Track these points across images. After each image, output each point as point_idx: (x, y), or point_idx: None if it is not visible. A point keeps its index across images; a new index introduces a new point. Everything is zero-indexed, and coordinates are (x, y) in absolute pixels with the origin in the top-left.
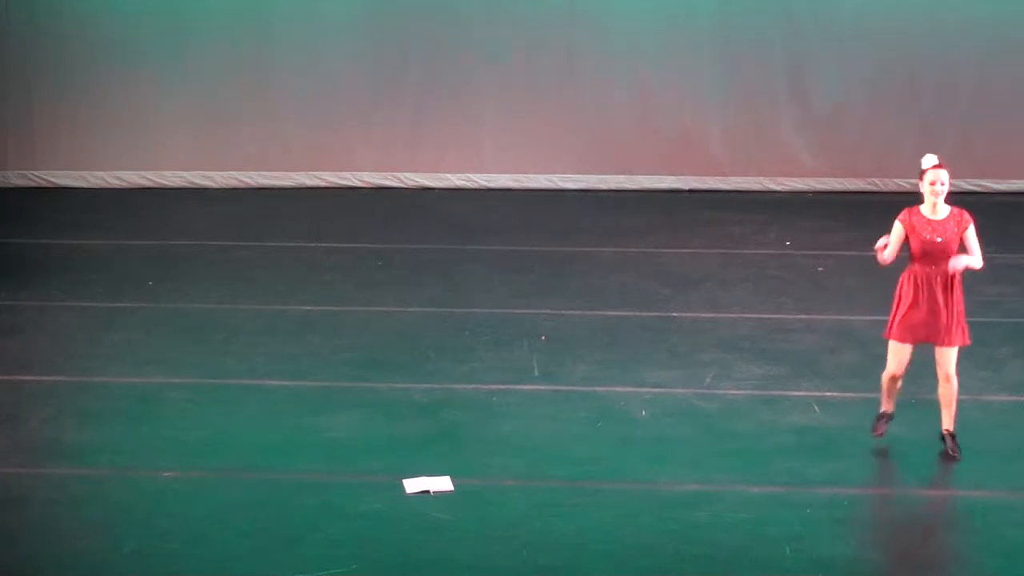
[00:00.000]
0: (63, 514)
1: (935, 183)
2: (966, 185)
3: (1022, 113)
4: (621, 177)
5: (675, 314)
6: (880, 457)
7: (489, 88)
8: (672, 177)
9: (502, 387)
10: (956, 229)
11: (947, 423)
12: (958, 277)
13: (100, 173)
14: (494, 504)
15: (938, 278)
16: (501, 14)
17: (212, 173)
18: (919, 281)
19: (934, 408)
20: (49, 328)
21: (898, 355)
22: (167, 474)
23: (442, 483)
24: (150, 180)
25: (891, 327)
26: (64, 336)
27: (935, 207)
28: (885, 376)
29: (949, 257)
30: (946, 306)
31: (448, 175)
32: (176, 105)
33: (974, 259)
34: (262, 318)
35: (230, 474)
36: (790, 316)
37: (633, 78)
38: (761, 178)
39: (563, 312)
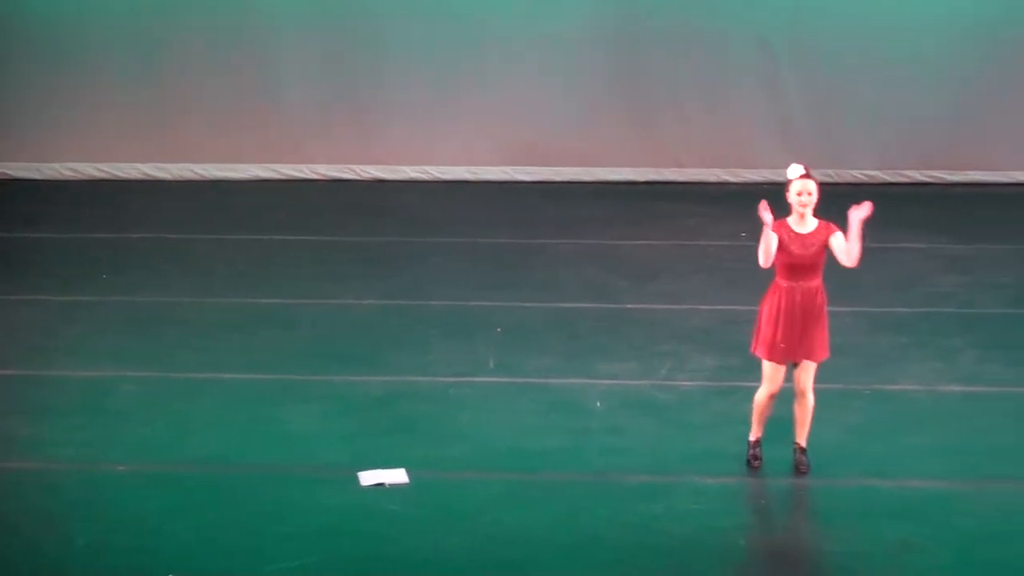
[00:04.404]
0: (16, 508)
1: (802, 193)
2: (918, 176)
3: (973, 104)
4: (577, 169)
5: (631, 306)
6: (834, 448)
7: (442, 80)
8: (628, 169)
9: (458, 379)
10: (824, 240)
11: (800, 438)
12: (822, 290)
13: (54, 165)
14: (450, 496)
15: (804, 294)
16: (449, 5)
17: (166, 165)
18: (786, 298)
19: (887, 399)
20: (2, 322)
21: (774, 375)
22: (122, 468)
23: (397, 475)
24: (104, 172)
25: (761, 345)
26: (18, 330)
27: (803, 219)
28: (762, 396)
29: (814, 270)
30: (813, 322)
31: (403, 167)
32: (130, 97)
33: (852, 247)
34: (218, 311)
35: (186, 468)
36: (745, 307)
37: (588, 69)
38: (716, 170)
39: (519, 304)
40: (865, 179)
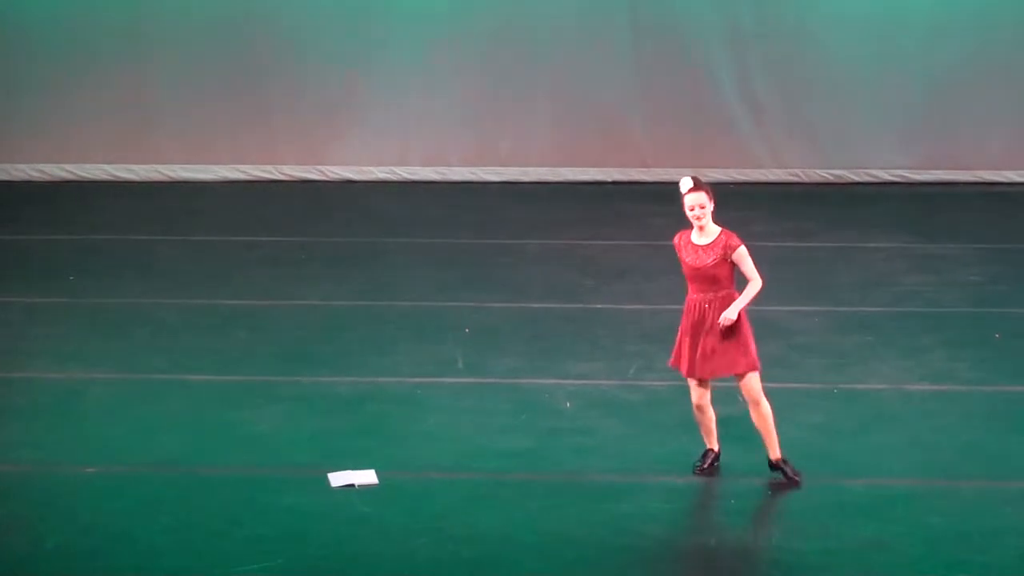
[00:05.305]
0: None
1: (693, 208)
2: (885, 175)
3: (940, 104)
4: (543, 169)
5: (599, 306)
6: (802, 447)
7: (409, 81)
8: (595, 169)
9: (427, 380)
10: (723, 253)
11: (770, 452)
12: (732, 301)
13: (22, 166)
14: (419, 497)
15: (709, 305)
16: (417, 6)
17: (134, 166)
18: (692, 309)
19: (855, 398)
20: None
21: (692, 386)
22: (90, 470)
23: (367, 476)
24: (72, 173)
25: (676, 357)
26: None
27: (701, 231)
28: (693, 408)
29: (717, 282)
30: (726, 334)
31: (371, 168)
32: (98, 98)
33: (748, 288)
34: (186, 312)
35: (154, 469)
36: None
37: (555, 69)
38: (683, 170)
39: (487, 305)
40: (832, 179)
